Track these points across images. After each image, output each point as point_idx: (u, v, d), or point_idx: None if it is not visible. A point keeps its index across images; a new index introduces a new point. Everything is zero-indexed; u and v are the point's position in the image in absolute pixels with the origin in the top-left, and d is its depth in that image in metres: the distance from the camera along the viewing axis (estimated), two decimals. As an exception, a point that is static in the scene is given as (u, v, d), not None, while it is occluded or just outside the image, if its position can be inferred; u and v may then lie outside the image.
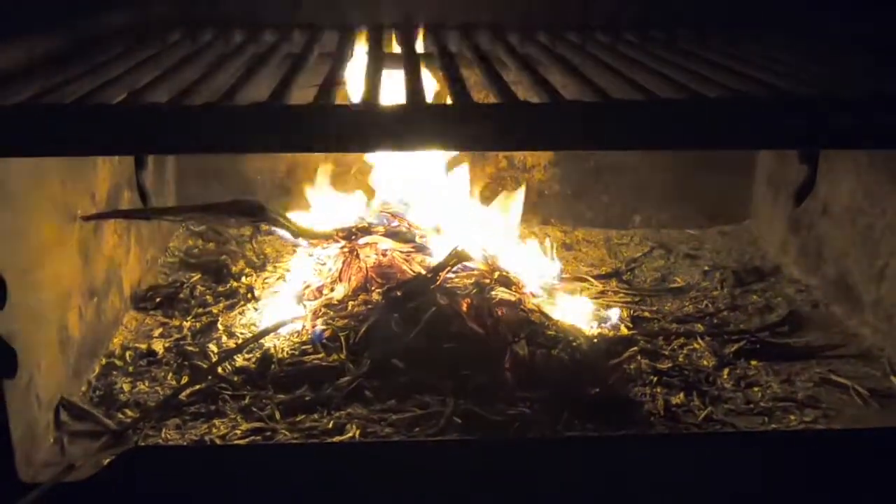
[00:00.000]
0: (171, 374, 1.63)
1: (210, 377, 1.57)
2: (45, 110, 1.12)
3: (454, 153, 2.06)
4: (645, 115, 1.17)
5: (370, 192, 2.07)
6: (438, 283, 1.69)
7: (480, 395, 1.51)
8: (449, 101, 1.21)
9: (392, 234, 1.85)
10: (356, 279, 1.77)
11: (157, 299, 1.91)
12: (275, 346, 1.65)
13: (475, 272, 1.76)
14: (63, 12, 1.57)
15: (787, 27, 1.83)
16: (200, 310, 1.87)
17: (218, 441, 1.43)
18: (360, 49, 1.68)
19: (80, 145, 1.16)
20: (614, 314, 1.84)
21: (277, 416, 1.49)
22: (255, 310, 1.86)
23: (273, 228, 1.84)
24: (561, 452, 1.42)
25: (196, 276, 2.03)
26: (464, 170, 2.11)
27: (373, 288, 1.74)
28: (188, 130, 1.12)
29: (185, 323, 1.81)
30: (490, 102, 1.21)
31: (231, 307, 1.88)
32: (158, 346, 1.70)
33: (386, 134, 1.13)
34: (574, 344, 1.61)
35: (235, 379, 1.58)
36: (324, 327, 1.68)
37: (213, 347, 1.70)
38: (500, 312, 1.67)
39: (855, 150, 1.79)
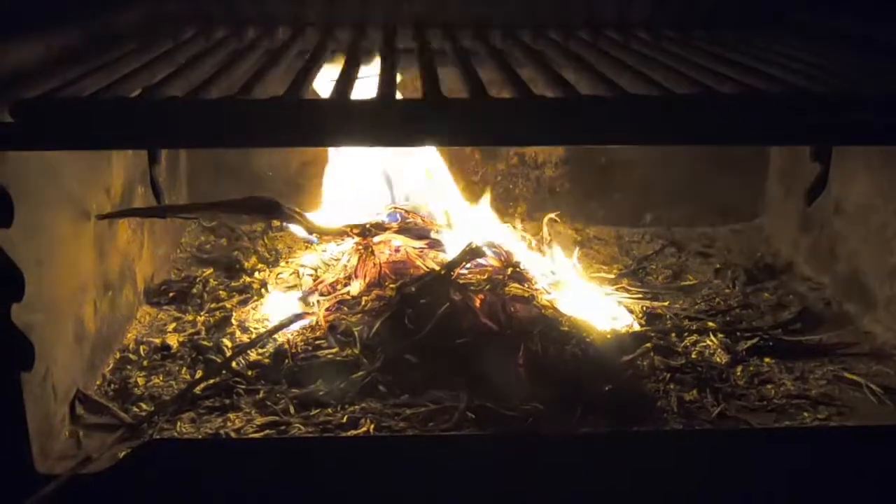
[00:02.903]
0: (185, 369, 1.63)
1: (224, 371, 1.58)
2: (63, 104, 1.13)
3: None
4: (658, 111, 1.18)
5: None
6: (452, 278, 1.69)
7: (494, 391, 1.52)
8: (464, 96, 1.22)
9: (405, 231, 1.85)
10: (370, 275, 1.77)
11: (171, 294, 1.92)
12: (288, 341, 1.66)
13: (489, 268, 1.76)
14: (79, 9, 1.58)
15: (799, 26, 1.83)
16: (214, 304, 1.88)
17: (233, 434, 1.43)
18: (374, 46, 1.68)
19: (98, 139, 1.17)
20: (624, 312, 1.84)
21: (292, 410, 1.49)
22: (269, 305, 1.86)
23: (287, 224, 1.84)
24: (574, 448, 1.42)
25: (209, 271, 2.04)
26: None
27: (387, 283, 1.74)
28: (205, 124, 1.13)
29: (198, 317, 1.82)
30: (505, 98, 1.21)
31: (244, 302, 1.88)
32: (172, 341, 1.71)
33: (401, 129, 1.14)
34: (587, 340, 1.61)
35: (249, 373, 1.59)
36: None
37: (226, 342, 1.70)
38: (513, 308, 1.67)
39: (868, 147, 1.79)
